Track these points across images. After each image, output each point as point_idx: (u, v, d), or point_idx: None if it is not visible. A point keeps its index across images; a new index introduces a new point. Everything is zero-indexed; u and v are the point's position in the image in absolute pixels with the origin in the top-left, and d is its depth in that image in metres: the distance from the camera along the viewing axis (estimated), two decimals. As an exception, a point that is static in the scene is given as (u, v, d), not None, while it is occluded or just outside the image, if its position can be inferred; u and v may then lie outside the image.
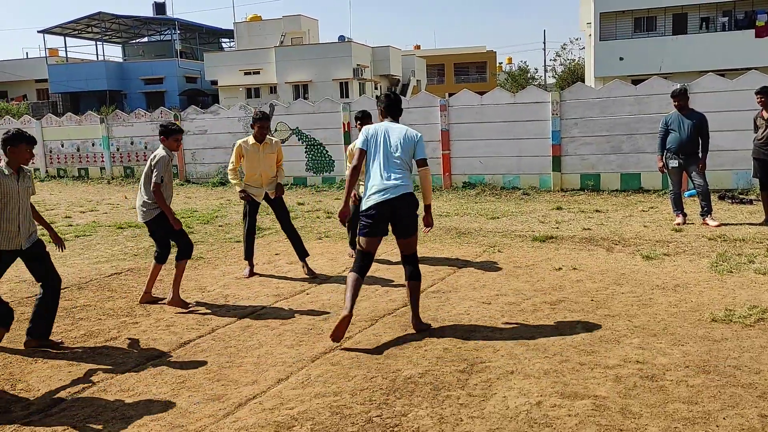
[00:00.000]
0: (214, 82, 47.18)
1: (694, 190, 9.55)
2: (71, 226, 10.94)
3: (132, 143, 18.15)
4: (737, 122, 11.28)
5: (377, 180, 4.96)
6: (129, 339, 5.21)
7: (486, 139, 13.53)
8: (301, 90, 44.22)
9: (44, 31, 50.61)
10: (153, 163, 5.87)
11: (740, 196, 11.14)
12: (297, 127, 15.60)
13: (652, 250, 7.47)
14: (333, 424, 3.61)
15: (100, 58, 53.95)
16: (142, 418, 3.79)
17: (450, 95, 14.43)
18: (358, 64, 44.13)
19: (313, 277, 6.92)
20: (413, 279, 5.06)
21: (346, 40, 46.67)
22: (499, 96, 13.78)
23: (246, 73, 45.51)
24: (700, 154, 8.94)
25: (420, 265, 5.19)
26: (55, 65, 50.88)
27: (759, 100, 8.75)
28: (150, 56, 56.33)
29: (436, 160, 13.57)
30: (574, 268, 6.85)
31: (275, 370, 4.45)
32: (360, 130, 7.62)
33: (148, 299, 6.18)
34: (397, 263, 7.34)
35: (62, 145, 19.29)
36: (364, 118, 7.42)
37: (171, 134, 5.97)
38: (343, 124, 14.98)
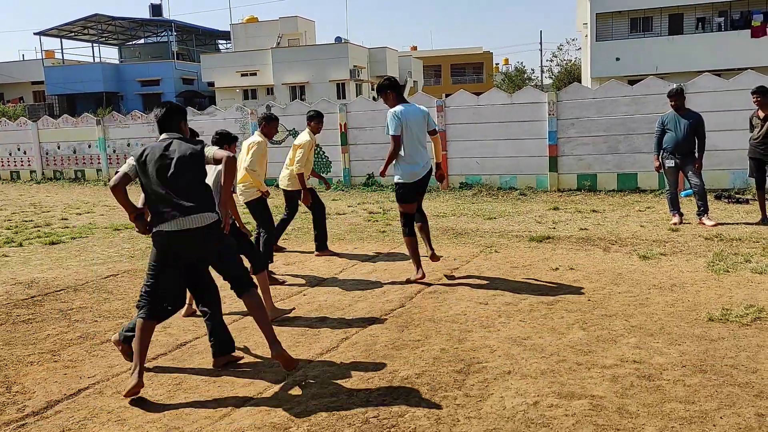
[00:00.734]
0: (211, 84, 47.17)
1: (690, 190, 9.56)
2: (67, 228, 10.91)
3: (129, 145, 18.12)
4: (733, 122, 11.30)
5: (416, 158, 6.38)
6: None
7: (483, 140, 13.53)
8: (297, 91, 44.23)
9: (41, 33, 50.55)
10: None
11: (736, 195, 11.16)
12: (294, 129, 15.58)
13: (648, 250, 7.48)
14: (330, 425, 3.60)
15: (97, 59, 53.94)
16: (138, 421, 3.77)
17: (447, 96, 14.45)
18: (354, 66, 44.15)
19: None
20: (424, 222, 6.74)
21: (343, 41, 46.69)
22: (496, 96, 13.79)
23: (243, 75, 45.51)
24: (696, 154, 8.96)
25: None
26: (52, 67, 50.83)
27: (755, 99, 8.76)
28: (146, 58, 56.29)
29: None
30: (571, 268, 6.85)
31: (272, 371, 4.44)
32: (313, 130, 8.00)
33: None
34: (396, 265, 7.34)
35: (58, 147, 19.26)
36: (315, 117, 7.99)
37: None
38: (340, 125, 14.98)
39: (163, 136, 4.35)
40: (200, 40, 58.22)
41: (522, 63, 67.01)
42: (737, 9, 31.79)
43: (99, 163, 18.64)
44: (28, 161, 19.76)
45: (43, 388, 4.31)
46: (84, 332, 5.43)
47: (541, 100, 13.14)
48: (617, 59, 31.68)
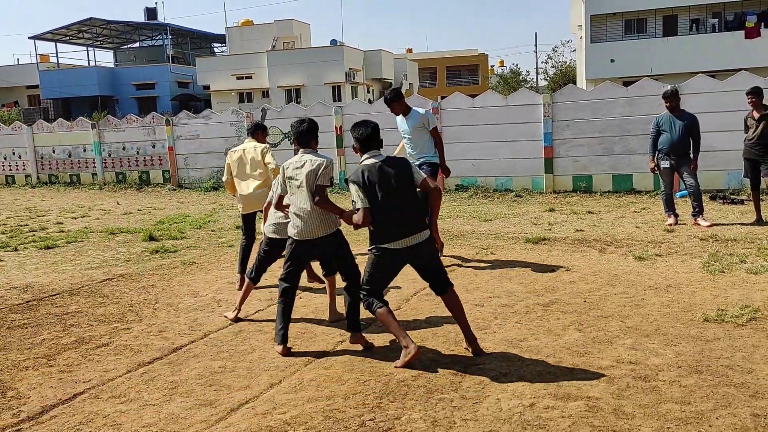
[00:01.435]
0: (207, 87, 47.14)
1: (685, 191, 9.58)
2: (63, 232, 10.88)
3: (124, 149, 18.08)
4: (728, 123, 11.32)
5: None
6: (121, 345, 5.17)
7: (478, 142, 13.54)
8: (293, 94, 44.24)
9: (35, 37, 50.50)
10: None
11: (731, 196, 11.19)
12: (289, 131, 15.56)
13: (644, 251, 7.49)
14: (326, 428, 3.59)
15: (92, 63, 53.86)
16: (133, 425, 3.76)
17: (442, 98, 14.44)
18: (350, 68, 44.19)
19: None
20: None
21: (338, 44, 46.76)
22: (491, 98, 13.81)
23: (238, 78, 45.50)
24: (691, 155, 8.98)
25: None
26: (47, 71, 50.75)
27: (749, 100, 8.79)
28: (142, 61, 56.26)
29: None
30: (567, 270, 6.86)
31: (268, 374, 4.43)
32: (261, 141, 6.92)
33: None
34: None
35: (54, 151, 19.20)
36: (256, 130, 6.82)
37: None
38: (336, 128, 14.98)
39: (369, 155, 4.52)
40: (195, 43, 58.20)
41: (517, 65, 67.29)
42: (731, 10, 31.92)
43: (94, 166, 18.59)
44: (23, 165, 19.70)
45: (39, 393, 4.29)
46: (79, 337, 5.41)
47: (536, 101, 13.16)
48: (612, 61, 31.77)
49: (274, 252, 5.62)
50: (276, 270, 7.53)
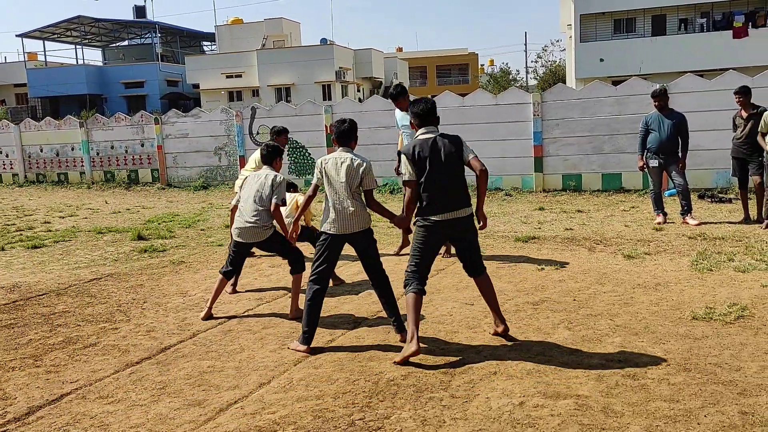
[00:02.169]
0: (196, 86, 46.92)
1: (674, 190, 9.63)
2: (50, 231, 10.80)
3: (112, 147, 17.98)
4: (716, 122, 11.40)
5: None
6: (108, 345, 5.14)
7: (468, 141, 13.36)
8: (283, 93, 44.12)
9: (23, 35, 50.07)
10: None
11: (719, 194, 11.26)
12: (279, 130, 15.51)
13: (633, 250, 7.52)
14: (315, 428, 3.58)
15: (80, 62, 53.44)
16: (121, 426, 3.73)
17: (432, 97, 14.43)
18: (340, 67, 44.12)
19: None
20: None
21: (328, 42, 46.66)
22: (481, 97, 13.83)
23: (228, 77, 45.32)
24: (679, 154, 9.02)
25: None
26: (34, 69, 50.33)
27: (737, 99, 8.85)
28: (130, 60, 55.92)
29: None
30: (557, 268, 6.87)
31: (257, 374, 4.41)
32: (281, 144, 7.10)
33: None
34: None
35: (41, 150, 19.07)
36: (284, 132, 7.33)
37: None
38: (326, 127, 14.95)
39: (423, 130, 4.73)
40: (185, 41, 57.91)
41: (507, 64, 67.02)
42: (719, 10, 32.10)
43: (82, 165, 18.47)
44: (11, 164, 19.55)
45: (25, 393, 4.25)
46: (67, 337, 5.37)
47: (526, 100, 13.19)
48: (601, 60, 31.88)
49: (242, 252, 5.82)
50: (266, 270, 7.52)
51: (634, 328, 4.92)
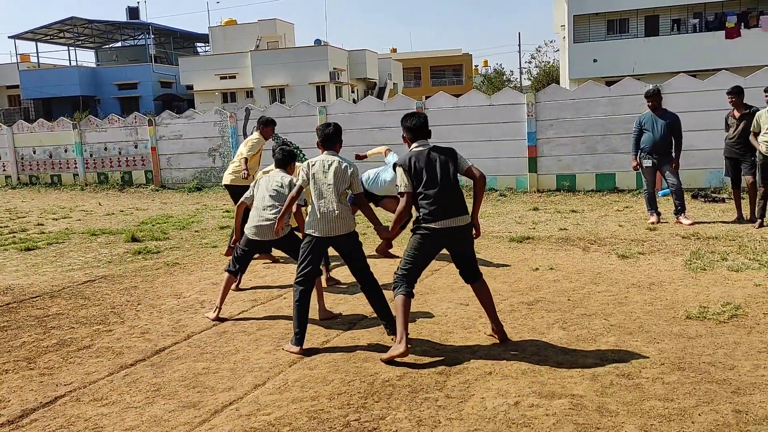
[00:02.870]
0: (190, 87, 46.85)
1: (667, 189, 9.67)
2: (43, 233, 10.75)
3: (106, 149, 17.92)
4: (709, 122, 11.44)
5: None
6: (103, 347, 5.12)
7: (462, 141, 13.54)
8: (277, 94, 44.09)
9: (15, 37, 49.90)
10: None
11: (713, 194, 11.30)
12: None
13: (627, 249, 7.54)
14: (311, 429, 3.57)
15: (73, 63, 53.37)
16: (115, 428, 3.72)
17: (426, 98, 14.46)
18: (334, 68, 44.12)
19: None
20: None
21: (323, 43, 46.66)
22: (475, 98, 13.85)
23: (222, 78, 45.27)
24: (673, 154, 9.05)
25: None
26: (27, 71, 50.17)
27: (730, 99, 8.88)
28: (124, 61, 55.77)
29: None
30: (551, 268, 6.88)
31: (252, 375, 4.40)
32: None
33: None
34: (376, 268, 7.32)
35: (34, 152, 18.99)
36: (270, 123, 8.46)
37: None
38: (320, 128, 14.91)
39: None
40: (178, 42, 57.81)
41: (501, 65, 67.60)
42: (711, 11, 32.22)
43: (75, 167, 18.40)
44: (3, 166, 19.45)
45: (19, 396, 4.23)
46: (60, 339, 5.34)
47: (520, 101, 13.21)
48: (595, 60, 31.96)
49: (251, 251, 5.83)
50: (261, 271, 7.51)
51: (629, 328, 4.93)
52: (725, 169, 9.23)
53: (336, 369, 4.42)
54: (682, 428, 3.38)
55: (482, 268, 6.96)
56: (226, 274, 5.82)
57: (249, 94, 44.91)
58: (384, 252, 7.60)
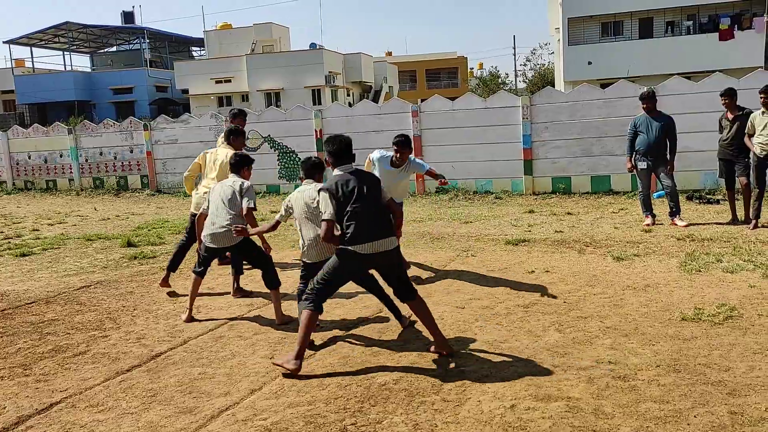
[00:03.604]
0: (185, 91, 46.77)
1: (662, 191, 9.68)
2: (39, 239, 10.73)
3: (101, 154, 17.88)
4: (703, 124, 11.47)
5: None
6: (98, 353, 5.11)
7: (458, 144, 13.59)
8: (273, 97, 44.05)
9: (10, 42, 49.77)
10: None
11: (707, 196, 11.33)
12: (269, 135, 15.51)
13: (622, 251, 7.56)
14: (307, 434, 3.57)
15: (68, 68, 53.21)
16: (111, 434, 3.71)
17: (422, 101, 14.46)
18: (329, 72, 44.11)
19: None
20: None
21: (318, 47, 46.64)
22: (471, 101, 13.86)
23: (217, 82, 45.20)
24: (668, 156, 9.08)
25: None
26: (22, 76, 50.01)
27: (723, 101, 8.92)
28: (119, 66, 55.67)
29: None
30: (547, 271, 6.89)
31: (248, 380, 4.40)
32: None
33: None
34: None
35: (29, 157, 18.94)
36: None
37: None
38: (315, 131, 14.94)
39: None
40: (173, 47, 57.71)
41: (496, 67, 67.76)
42: (705, 13, 32.33)
43: (71, 172, 18.36)
44: (-2, 172, 19.41)
45: (14, 402, 4.22)
46: (56, 345, 5.33)
47: (515, 104, 13.24)
48: (589, 63, 32.03)
49: (212, 257, 5.99)
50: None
51: (624, 330, 4.94)
52: (719, 170, 9.26)
53: (332, 373, 4.42)
54: (677, 430, 3.40)
55: (478, 271, 7.01)
56: (194, 276, 5.95)
57: (245, 97, 44.87)
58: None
